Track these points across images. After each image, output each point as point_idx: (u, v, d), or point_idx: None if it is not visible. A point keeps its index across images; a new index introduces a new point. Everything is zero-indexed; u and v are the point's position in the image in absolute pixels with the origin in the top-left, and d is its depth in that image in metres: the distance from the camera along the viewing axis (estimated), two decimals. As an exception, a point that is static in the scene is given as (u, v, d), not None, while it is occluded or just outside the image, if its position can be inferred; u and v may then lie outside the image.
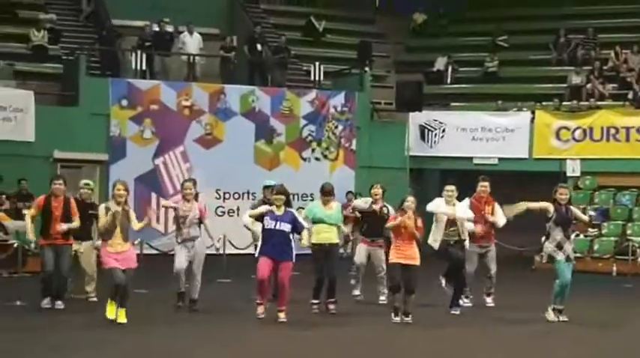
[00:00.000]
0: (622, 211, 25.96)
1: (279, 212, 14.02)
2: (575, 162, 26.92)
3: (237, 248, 21.04)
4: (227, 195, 26.15)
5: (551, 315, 14.68)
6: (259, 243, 14.29)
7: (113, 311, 13.62)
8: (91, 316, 14.06)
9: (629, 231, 25.01)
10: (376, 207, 16.07)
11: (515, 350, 12.53)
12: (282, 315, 14.02)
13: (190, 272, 15.04)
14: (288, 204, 14.22)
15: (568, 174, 26.87)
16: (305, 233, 14.32)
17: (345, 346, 12.49)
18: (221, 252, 17.75)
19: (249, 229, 16.16)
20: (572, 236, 15.04)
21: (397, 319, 14.23)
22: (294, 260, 14.06)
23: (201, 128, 26.17)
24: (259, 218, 14.14)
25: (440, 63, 31.47)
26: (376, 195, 16.27)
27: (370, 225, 16.20)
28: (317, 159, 27.36)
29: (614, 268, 23.33)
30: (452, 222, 15.31)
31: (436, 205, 15.43)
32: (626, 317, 15.56)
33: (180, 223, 14.99)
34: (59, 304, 15.01)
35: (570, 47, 30.80)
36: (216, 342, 12.59)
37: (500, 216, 16.11)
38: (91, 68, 26.21)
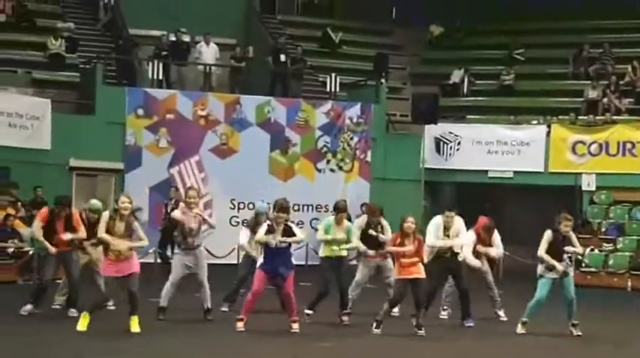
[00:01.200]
0: (637, 226, 25.86)
1: (280, 228, 13.88)
2: (591, 177, 26.85)
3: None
4: (242, 205, 26.14)
5: (519, 328, 14.76)
6: (260, 258, 14.19)
7: (85, 324, 13.51)
8: (110, 325, 14.00)
9: (644, 248, 24.92)
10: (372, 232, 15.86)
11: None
12: (295, 326, 14.01)
13: (198, 282, 15.00)
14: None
15: (583, 189, 26.82)
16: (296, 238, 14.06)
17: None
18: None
19: (244, 249, 16.15)
20: (568, 254, 15.00)
21: (377, 331, 14.30)
22: (294, 268, 14.11)
23: (216, 138, 26.21)
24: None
25: (456, 75, 31.44)
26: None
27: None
28: (332, 170, 27.34)
29: (629, 283, 23.27)
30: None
31: (434, 232, 15.52)
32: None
33: (186, 233, 14.93)
34: (73, 312, 14.96)
35: (587, 61, 30.74)
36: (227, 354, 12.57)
37: (497, 244, 16.30)
38: (107, 77, 26.28)
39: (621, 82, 29.47)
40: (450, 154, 27.95)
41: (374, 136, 27.94)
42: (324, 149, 27.34)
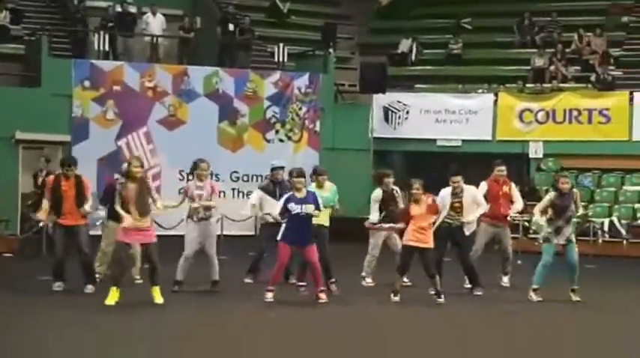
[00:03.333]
0: (584, 193, 26.09)
1: (301, 195, 14.14)
2: (538, 144, 27.09)
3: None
4: (190, 177, 25.94)
5: (533, 297, 14.98)
6: (282, 227, 14.29)
7: (115, 297, 13.48)
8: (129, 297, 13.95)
9: (590, 213, 25.20)
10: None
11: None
12: (323, 296, 14.22)
13: (206, 255, 15.04)
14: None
15: (531, 156, 27.08)
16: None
17: (354, 326, 12.59)
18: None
19: (253, 210, 16.31)
20: (574, 219, 15.28)
21: (396, 298, 14.43)
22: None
23: (164, 109, 26.06)
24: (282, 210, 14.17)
25: (404, 45, 31.46)
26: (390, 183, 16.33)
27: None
28: (281, 140, 27.31)
29: (576, 249, 23.41)
30: (458, 208, 15.53)
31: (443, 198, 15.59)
32: (590, 298, 15.68)
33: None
34: (89, 288, 14.79)
35: (534, 30, 30.91)
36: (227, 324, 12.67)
37: (517, 198, 16.90)
38: (53, 49, 25.98)
39: (568, 50, 29.67)
40: (399, 123, 28.05)
41: (322, 106, 27.94)
42: (273, 119, 27.29)
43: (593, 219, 24.46)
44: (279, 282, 14.46)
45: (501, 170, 16.87)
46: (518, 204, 16.98)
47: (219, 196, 16.33)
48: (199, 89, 26.45)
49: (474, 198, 15.86)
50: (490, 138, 27.40)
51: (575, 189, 15.38)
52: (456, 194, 15.63)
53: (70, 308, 13.39)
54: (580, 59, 29.48)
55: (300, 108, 27.59)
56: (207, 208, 15.00)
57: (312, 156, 27.20)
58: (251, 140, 26.93)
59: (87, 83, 25.34)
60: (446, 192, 15.65)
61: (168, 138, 25.81)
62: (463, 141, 27.45)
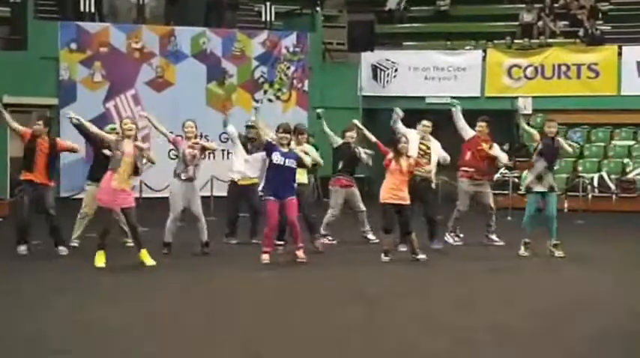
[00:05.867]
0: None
1: (285, 149, 14.12)
2: (527, 100, 27.07)
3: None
4: (179, 138, 25.93)
5: (522, 251, 15.05)
6: (263, 180, 14.38)
7: (102, 260, 13.50)
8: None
9: (580, 168, 25.31)
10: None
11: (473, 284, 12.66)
12: (300, 253, 14.18)
13: (193, 216, 15.00)
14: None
15: (520, 112, 26.94)
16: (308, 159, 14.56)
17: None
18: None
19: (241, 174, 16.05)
20: (556, 167, 15.31)
21: (386, 258, 14.33)
22: (295, 193, 14.24)
23: (152, 71, 25.96)
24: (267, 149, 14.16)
25: (392, 2, 31.35)
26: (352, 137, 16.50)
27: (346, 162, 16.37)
28: (269, 100, 27.23)
29: (566, 205, 23.56)
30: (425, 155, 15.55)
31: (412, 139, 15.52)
32: (580, 253, 15.76)
33: (188, 161, 14.99)
34: (62, 250, 14.83)
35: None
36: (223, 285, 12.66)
37: (498, 152, 16.83)
38: (38, 11, 25.81)
39: (556, 5, 29.61)
40: (388, 81, 28.01)
41: (311, 65, 27.86)
42: (261, 79, 27.22)
43: (583, 175, 24.51)
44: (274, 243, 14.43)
45: (482, 126, 16.78)
46: (502, 157, 16.95)
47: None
48: (187, 50, 26.33)
49: (438, 149, 15.90)
50: (479, 94, 27.38)
51: (559, 137, 15.36)
52: (424, 139, 15.70)
53: (57, 271, 13.43)
54: (568, 14, 29.39)
55: (289, 68, 27.51)
56: (196, 169, 14.95)
57: (301, 116, 27.10)
58: (240, 100, 26.85)
59: (73, 45, 25.21)
60: (413, 135, 15.64)
61: (156, 99, 25.68)
62: (452, 98, 27.27)
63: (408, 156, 14.50)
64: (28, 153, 14.78)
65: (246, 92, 26.97)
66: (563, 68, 26.99)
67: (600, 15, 29.03)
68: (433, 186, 15.93)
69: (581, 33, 28.17)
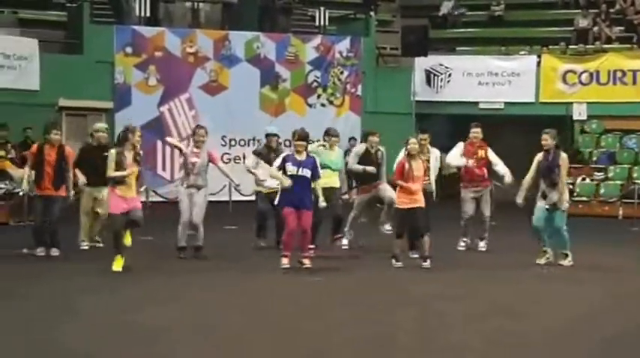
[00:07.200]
0: (628, 155, 25.96)
1: (301, 157, 13.89)
2: (582, 106, 26.86)
3: (243, 194, 21.10)
4: (233, 142, 26.16)
5: (540, 259, 14.72)
6: (279, 190, 14.18)
7: (120, 265, 13.54)
8: (97, 263, 14.00)
9: (635, 175, 25.02)
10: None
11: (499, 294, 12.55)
12: (307, 261, 13.98)
13: (192, 223, 14.96)
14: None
15: (574, 118, 26.86)
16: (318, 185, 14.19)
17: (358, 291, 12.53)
18: (232, 197, 17.76)
19: (251, 173, 16.14)
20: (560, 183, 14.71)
21: (399, 264, 14.19)
22: (311, 204, 13.99)
23: (206, 75, 26.11)
24: (281, 168, 13.91)
25: (446, 7, 31.25)
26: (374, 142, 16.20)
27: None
28: (322, 105, 27.29)
29: (620, 212, 23.37)
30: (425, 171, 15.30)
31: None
32: (634, 261, 15.58)
33: (189, 169, 14.92)
34: (54, 251, 14.86)
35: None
36: (229, 291, 12.60)
37: (496, 161, 16.27)
38: (95, 15, 26.05)
39: (611, 10, 29.32)
40: (441, 86, 27.91)
41: (364, 70, 27.87)
42: (315, 84, 27.27)
43: (638, 181, 24.26)
44: (293, 247, 14.02)
45: (476, 132, 16.37)
46: (500, 166, 16.28)
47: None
48: (241, 54, 26.45)
49: (437, 159, 15.74)
50: (533, 100, 27.19)
51: (563, 154, 14.77)
52: (422, 153, 15.06)
53: (81, 274, 13.45)
54: (624, 19, 29.12)
55: (342, 73, 27.53)
56: (200, 178, 14.87)
57: (354, 121, 27.19)
58: (293, 105, 26.92)
59: (129, 49, 25.44)
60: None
61: (210, 103, 25.87)
62: (506, 103, 27.27)
63: (422, 159, 14.38)
64: (37, 166, 14.84)
65: (299, 96, 27.03)
66: (619, 74, 26.71)
67: (657, 20, 28.74)
68: (434, 196, 15.73)
69: (636, 39, 27.89)
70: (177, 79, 25.75)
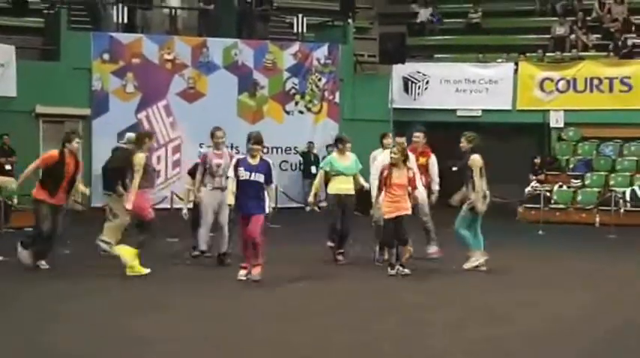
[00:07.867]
0: (605, 162, 26.06)
1: (255, 162, 13.49)
2: (559, 114, 26.94)
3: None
4: (207, 153, 26.03)
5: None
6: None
7: (142, 270, 13.64)
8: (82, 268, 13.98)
9: (612, 182, 25.12)
10: None
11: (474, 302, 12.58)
12: (255, 272, 13.33)
13: (217, 225, 14.91)
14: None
15: (552, 126, 26.92)
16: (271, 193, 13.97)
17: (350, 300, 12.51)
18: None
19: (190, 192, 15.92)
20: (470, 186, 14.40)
21: (393, 272, 14.14)
22: (266, 212, 13.59)
23: (183, 82, 26.07)
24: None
25: (423, 14, 31.32)
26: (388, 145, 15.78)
27: None
28: (300, 112, 27.31)
29: (597, 219, 23.42)
30: None
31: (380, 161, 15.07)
32: (610, 268, 15.64)
33: (214, 171, 14.90)
34: (43, 264, 14.29)
35: (554, -2, 30.74)
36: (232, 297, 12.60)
37: (433, 173, 15.74)
38: (72, 22, 25.96)
39: (588, 18, 29.47)
40: (419, 94, 27.94)
41: (342, 77, 27.90)
42: (293, 91, 27.28)
43: (615, 189, 24.34)
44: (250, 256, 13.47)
45: (417, 136, 15.81)
46: (434, 183, 15.64)
47: None
48: (218, 61, 26.43)
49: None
50: (510, 107, 27.24)
51: (474, 156, 14.46)
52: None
53: (91, 277, 13.44)
54: (601, 27, 29.27)
55: (320, 79, 27.55)
56: (225, 179, 14.59)
57: (331, 128, 27.17)
58: (271, 112, 26.92)
59: (106, 56, 25.36)
60: (384, 156, 14.92)
61: (188, 110, 25.83)
62: (483, 111, 27.31)
63: (406, 167, 14.24)
64: (54, 174, 14.11)
65: (277, 104, 27.02)
66: (596, 81, 26.81)
67: (633, 28, 28.85)
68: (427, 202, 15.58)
69: (613, 46, 28.03)
70: (154, 86, 25.70)
